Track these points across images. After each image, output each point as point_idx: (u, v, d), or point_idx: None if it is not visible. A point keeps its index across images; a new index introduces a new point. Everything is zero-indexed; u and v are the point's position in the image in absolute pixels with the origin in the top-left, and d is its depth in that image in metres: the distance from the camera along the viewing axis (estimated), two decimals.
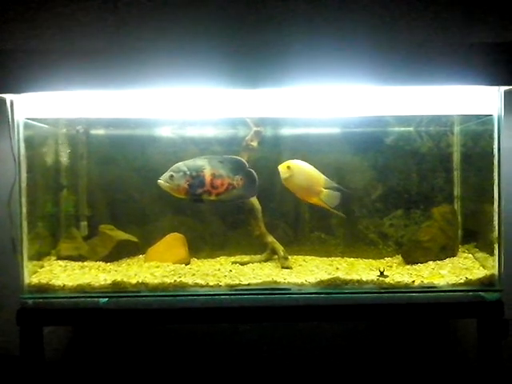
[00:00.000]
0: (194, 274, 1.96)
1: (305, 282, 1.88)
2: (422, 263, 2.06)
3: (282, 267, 2.07)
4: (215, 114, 1.99)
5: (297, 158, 2.08)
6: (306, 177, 2.07)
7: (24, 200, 1.86)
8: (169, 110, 1.98)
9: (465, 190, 2.25)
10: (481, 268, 1.98)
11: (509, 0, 2.16)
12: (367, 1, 2.19)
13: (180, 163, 2.00)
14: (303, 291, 1.87)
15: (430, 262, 2.06)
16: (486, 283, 1.87)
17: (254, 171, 2.06)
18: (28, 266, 1.87)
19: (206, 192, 2.01)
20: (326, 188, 2.07)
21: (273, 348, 2.34)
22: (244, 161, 2.07)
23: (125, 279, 1.88)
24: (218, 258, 2.23)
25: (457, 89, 1.86)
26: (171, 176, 1.97)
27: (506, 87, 1.79)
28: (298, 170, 2.06)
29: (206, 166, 2.01)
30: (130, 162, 2.28)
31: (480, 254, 2.08)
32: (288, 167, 2.05)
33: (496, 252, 1.86)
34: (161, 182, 1.98)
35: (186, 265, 2.11)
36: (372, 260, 2.21)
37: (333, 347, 2.34)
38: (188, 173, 1.99)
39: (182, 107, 1.98)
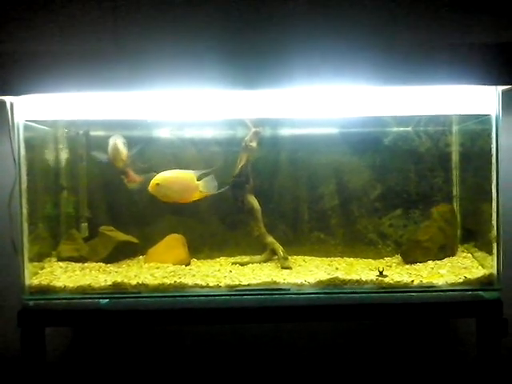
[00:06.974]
0: (193, 275, 1.96)
1: (304, 282, 1.89)
2: (421, 263, 2.06)
3: (282, 267, 2.07)
4: (214, 115, 1.99)
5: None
6: (177, 183, 2.06)
7: (24, 201, 1.86)
8: (168, 111, 1.99)
9: (463, 189, 2.25)
10: (480, 267, 1.99)
11: (506, 1, 2.17)
12: (367, 1, 2.19)
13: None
14: (303, 291, 1.87)
15: (429, 262, 2.07)
16: (485, 282, 1.87)
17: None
18: (29, 268, 1.88)
19: (127, 174, 2.13)
20: (199, 180, 2.08)
21: (273, 348, 2.35)
22: None
23: (125, 280, 1.89)
24: (218, 259, 2.24)
25: (455, 89, 1.87)
26: (123, 141, 2.10)
27: (504, 87, 1.80)
28: (167, 183, 2.05)
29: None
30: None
31: (479, 254, 2.08)
32: (157, 184, 2.04)
33: (495, 251, 1.87)
34: (115, 138, 2.08)
35: (186, 266, 2.12)
36: (371, 260, 2.21)
37: (333, 347, 2.35)
38: (131, 151, 2.12)
39: (180, 108, 1.98)
